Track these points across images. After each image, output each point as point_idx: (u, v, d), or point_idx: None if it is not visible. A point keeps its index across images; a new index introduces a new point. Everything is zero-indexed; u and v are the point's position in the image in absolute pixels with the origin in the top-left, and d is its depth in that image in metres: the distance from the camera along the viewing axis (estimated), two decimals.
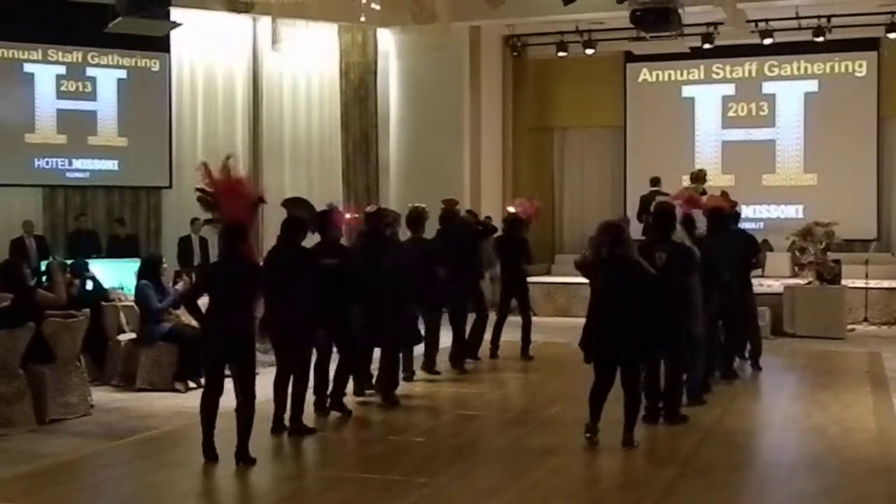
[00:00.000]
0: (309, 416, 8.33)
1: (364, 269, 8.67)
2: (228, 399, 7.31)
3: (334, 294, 8.29)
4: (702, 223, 9.45)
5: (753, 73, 18.37)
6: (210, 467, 7.13)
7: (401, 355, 9.75)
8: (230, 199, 7.20)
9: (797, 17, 16.68)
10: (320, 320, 8.16)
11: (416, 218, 10.26)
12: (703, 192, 13.24)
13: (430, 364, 10.72)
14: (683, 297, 8.05)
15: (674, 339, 7.99)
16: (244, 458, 7.13)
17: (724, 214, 10.44)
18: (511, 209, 12.47)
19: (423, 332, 10.22)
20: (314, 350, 8.40)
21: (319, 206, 8.99)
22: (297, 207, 8.52)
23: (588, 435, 7.53)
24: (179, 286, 10.52)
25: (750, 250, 10.66)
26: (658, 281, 7.54)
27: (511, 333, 12.01)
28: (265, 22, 16.86)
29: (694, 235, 8.93)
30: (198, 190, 7.31)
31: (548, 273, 17.95)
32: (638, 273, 7.39)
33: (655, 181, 15.90)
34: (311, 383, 8.30)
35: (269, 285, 7.66)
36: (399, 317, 9.12)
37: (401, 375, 9.75)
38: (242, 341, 7.17)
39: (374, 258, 8.89)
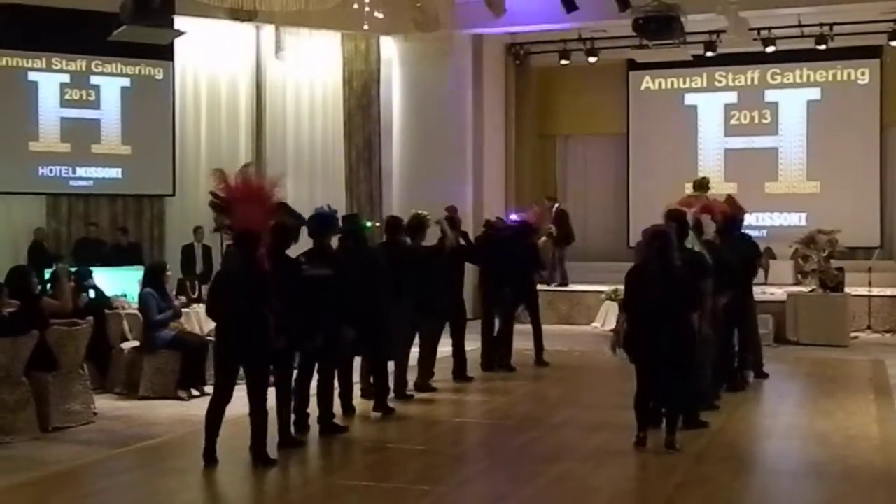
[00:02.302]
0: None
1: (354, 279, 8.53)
2: (234, 406, 7.33)
3: (324, 308, 7.98)
4: (710, 228, 9.48)
5: (756, 81, 18.38)
6: (214, 475, 7.15)
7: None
8: (247, 205, 7.20)
9: (800, 25, 16.69)
10: (308, 334, 7.89)
11: (418, 225, 10.22)
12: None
13: (425, 378, 10.41)
14: (699, 303, 8.09)
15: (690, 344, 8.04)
16: (263, 460, 7.20)
17: (736, 221, 10.48)
18: (514, 217, 12.46)
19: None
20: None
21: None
22: (283, 214, 8.33)
23: (640, 446, 7.63)
24: (178, 303, 10.53)
25: (751, 254, 10.67)
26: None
27: (516, 342, 12.00)
28: (268, 30, 16.91)
29: (701, 241, 8.95)
30: (211, 194, 7.31)
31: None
32: (682, 278, 7.58)
33: (552, 197, 17.39)
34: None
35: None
36: (390, 326, 9.11)
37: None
38: (254, 346, 7.20)
39: (359, 266, 8.72)
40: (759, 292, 12.33)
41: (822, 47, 16.81)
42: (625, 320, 7.87)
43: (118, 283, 11.76)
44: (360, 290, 8.44)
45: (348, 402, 9.08)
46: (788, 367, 12.19)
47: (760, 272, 11.25)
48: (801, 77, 18.16)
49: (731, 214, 10.50)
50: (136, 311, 10.71)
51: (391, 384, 9.48)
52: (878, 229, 17.66)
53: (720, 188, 16.27)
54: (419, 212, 10.43)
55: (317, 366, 8.32)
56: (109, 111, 16.18)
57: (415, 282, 9.62)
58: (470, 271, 12.67)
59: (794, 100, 18.18)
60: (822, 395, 10.33)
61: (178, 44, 15.13)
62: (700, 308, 7.99)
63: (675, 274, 7.57)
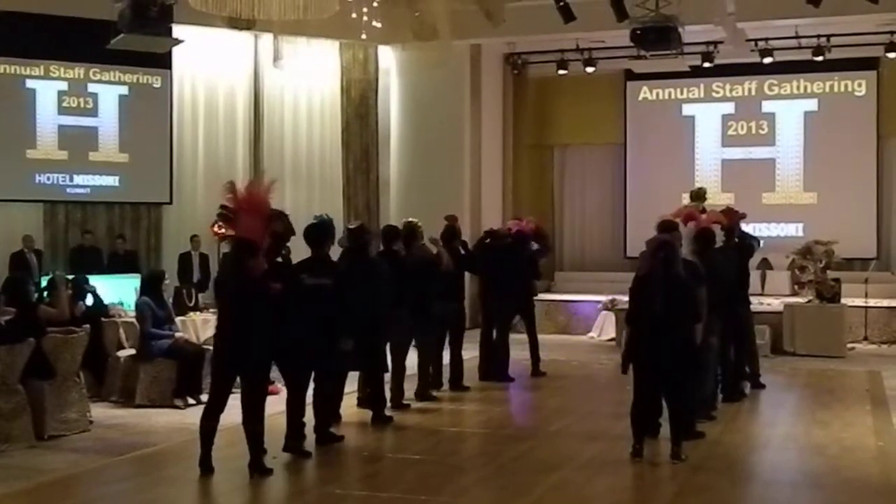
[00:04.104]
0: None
1: (355, 289, 8.48)
2: (231, 415, 7.32)
3: (324, 317, 7.97)
4: (718, 238, 9.53)
5: (753, 92, 18.41)
6: (210, 484, 7.13)
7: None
8: (247, 215, 7.25)
9: (797, 37, 16.73)
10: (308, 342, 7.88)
11: (409, 233, 10.22)
12: (703, 210, 13.27)
13: (423, 388, 10.40)
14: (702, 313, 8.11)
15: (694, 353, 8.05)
16: (259, 469, 7.20)
17: (732, 229, 10.52)
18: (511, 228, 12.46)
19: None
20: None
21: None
22: (275, 221, 8.28)
23: (637, 458, 7.64)
24: (178, 335, 10.52)
25: (744, 255, 10.72)
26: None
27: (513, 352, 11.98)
28: (266, 39, 16.91)
29: (707, 252, 8.97)
30: (221, 206, 7.39)
31: (548, 290, 17.93)
32: (687, 288, 7.62)
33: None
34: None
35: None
36: (383, 337, 9.10)
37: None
38: (250, 354, 7.19)
39: (361, 277, 8.72)
40: (756, 303, 12.33)
41: (820, 59, 16.85)
42: (628, 333, 7.89)
43: (115, 290, 11.75)
44: (360, 301, 8.43)
45: (335, 410, 9.05)
46: (785, 377, 12.20)
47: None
48: (798, 88, 18.20)
49: (728, 223, 10.52)
50: (132, 320, 10.70)
51: (387, 394, 9.50)
52: (874, 240, 17.67)
53: (717, 199, 16.31)
54: (410, 220, 10.44)
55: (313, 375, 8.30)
56: (107, 119, 16.18)
57: (411, 291, 9.62)
58: (469, 280, 12.69)
59: (791, 111, 18.21)
60: (818, 405, 10.32)
61: (176, 52, 15.14)
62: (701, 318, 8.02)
63: (681, 284, 7.60)
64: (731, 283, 9.71)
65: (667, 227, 8.69)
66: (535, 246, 15.41)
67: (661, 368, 7.57)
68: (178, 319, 10.90)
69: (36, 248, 14.90)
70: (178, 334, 10.52)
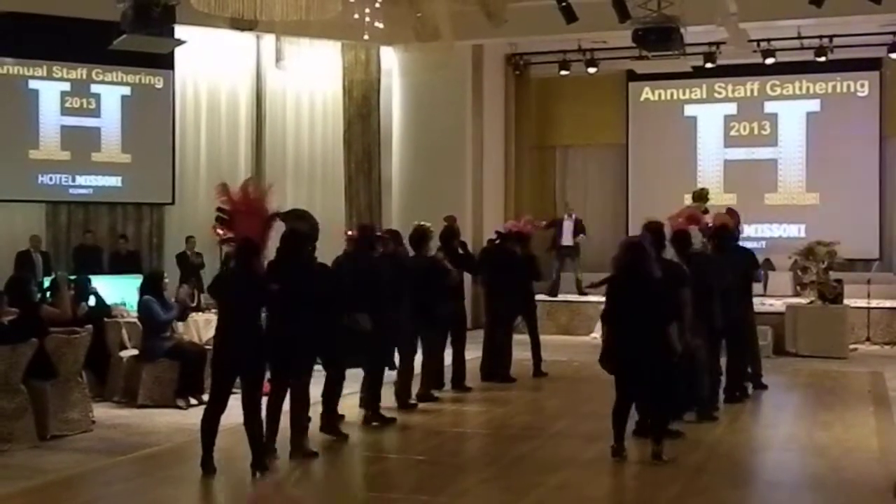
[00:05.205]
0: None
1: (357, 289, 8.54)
2: (233, 415, 7.32)
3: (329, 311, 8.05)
4: (696, 239, 9.49)
5: (755, 93, 18.41)
6: (212, 484, 7.14)
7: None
8: (246, 216, 7.29)
9: (799, 37, 16.73)
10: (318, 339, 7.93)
11: (421, 236, 10.25)
12: (706, 211, 13.28)
13: (428, 387, 10.43)
14: (675, 313, 8.08)
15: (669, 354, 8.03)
16: (261, 469, 7.20)
17: (727, 233, 10.47)
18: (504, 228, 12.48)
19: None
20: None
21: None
22: (297, 220, 8.36)
23: (616, 458, 7.65)
24: (183, 290, 10.54)
25: (749, 266, 10.68)
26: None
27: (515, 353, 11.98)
28: (269, 40, 16.94)
29: (686, 253, 8.96)
30: (217, 210, 7.44)
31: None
32: (660, 289, 7.60)
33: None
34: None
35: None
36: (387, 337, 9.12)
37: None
38: (252, 354, 7.20)
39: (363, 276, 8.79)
40: (758, 304, 12.32)
41: (822, 59, 16.85)
42: (604, 332, 7.92)
43: (117, 291, 11.76)
44: (361, 301, 8.48)
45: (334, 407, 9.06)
46: (787, 378, 12.19)
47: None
48: (800, 89, 18.20)
49: (722, 225, 10.49)
50: (135, 320, 10.70)
51: (392, 393, 9.52)
52: (877, 241, 17.67)
53: (719, 199, 16.34)
54: (422, 223, 10.46)
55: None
56: (109, 119, 16.21)
57: (416, 292, 9.64)
58: (470, 281, 12.67)
59: (793, 111, 18.21)
60: (820, 406, 10.32)
61: (179, 53, 15.14)
62: (680, 318, 8.00)
63: (654, 284, 7.59)
64: (731, 286, 9.64)
65: (651, 227, 8.68)
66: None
67: (638, 369, 7.58)
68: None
69: (43, 249, 14.92)
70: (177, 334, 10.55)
